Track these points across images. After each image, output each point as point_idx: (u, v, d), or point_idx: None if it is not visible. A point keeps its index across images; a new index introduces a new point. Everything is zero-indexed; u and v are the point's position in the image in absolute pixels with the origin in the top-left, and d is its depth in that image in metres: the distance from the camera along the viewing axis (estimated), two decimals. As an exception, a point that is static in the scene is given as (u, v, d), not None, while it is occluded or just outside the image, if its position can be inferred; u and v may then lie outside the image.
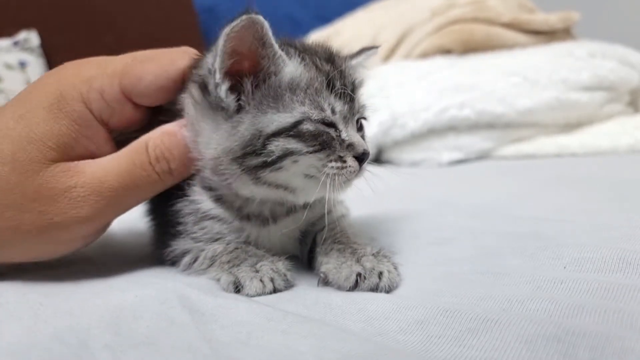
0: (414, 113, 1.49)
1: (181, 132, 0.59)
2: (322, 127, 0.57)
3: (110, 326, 0.44)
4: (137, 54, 0.60)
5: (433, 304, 0.48)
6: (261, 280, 0.56)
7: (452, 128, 1.49)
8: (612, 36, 1.76)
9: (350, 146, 0.58)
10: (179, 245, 0.63)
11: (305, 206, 0.62)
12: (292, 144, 0.56)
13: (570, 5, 1.96)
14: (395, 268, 0.57)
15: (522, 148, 1.48)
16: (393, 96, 1.56)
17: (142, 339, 0.42)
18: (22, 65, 2.02)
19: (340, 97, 0.59)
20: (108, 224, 0.63)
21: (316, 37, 2.24)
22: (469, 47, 1.76)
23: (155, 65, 0.59)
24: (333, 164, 0.57)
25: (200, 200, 0.61)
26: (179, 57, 0.60)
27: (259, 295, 0.55)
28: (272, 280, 0.56)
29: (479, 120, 1.47)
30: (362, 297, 0.53)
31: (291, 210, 0.64)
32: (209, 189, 0.61)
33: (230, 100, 0.56)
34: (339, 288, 0.56)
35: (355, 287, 0.55)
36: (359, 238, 0.64)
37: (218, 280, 0.58)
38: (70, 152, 0.56)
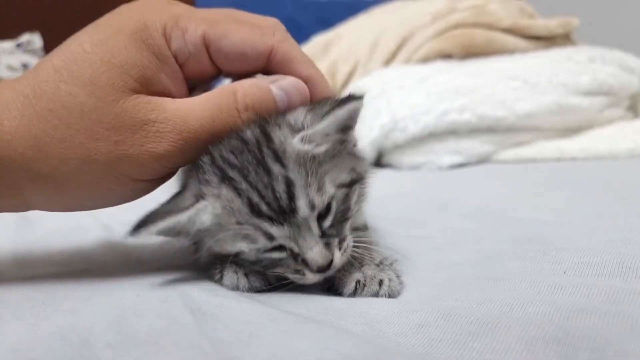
0: (414, 116, 1.49)
1: (271, 88, 0.54)
2: (262, 255, 0.53)
3: (112, 324, 0.44)
4: (232, 12, 0.57)
5: (434, 308, 0.49)
6: (235, 273, 0.56)
7: (453, 132, 1.49)
8: (611, 41, 1.76)
9: (305, 262, 0.52)
10: None
11: None
12: (246, 264, 0.55)
13: (570, 11, 1.97)
14: (398, 276, 0.57)
15: (523, 152, 1.48)
16: (394, 99, 1.56)
17: (144, 337, 0.43)
18: (25, 67, 2.03)
19: (272, 221, 0.50)
20: (170, 175, 0.59)
21: (318, 40, 2.25)
22: (470, 52, 1.77)
23: (246, 29, 0.55)
24: (290, 275, 0.54)
25: None
26: (269, 33, 0.56)
27: (235, 288, 0.56)
28: (246, 275, 0.56)
29: (479, 123, 1.47)
30: (363, 301, 0.53)
31: None
32: None
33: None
34: (341, 294, 0.56)
35: (354, 294, 0.55)
36: (376, 252, 0.62)
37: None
38: (150, 87, 0.53)
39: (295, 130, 0.53)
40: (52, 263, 0.69)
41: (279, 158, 0.51)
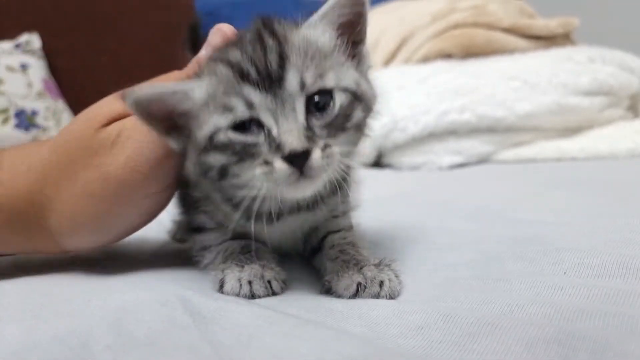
0: (414, 117, 1.49)
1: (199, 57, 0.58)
2: (235, 136, 0.51)
3: (111, 327, 0.44)
4: None
5: (433, 309, 0.49)
6: (239, 281, 0.55)
7: (453, 132, 1.49)
8: (611, 41, 1.76)
9: (279, 146, 0.49)
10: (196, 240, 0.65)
11: (309, 207, 0.60)
12: (218, 158, 0.52)
13: (570, 11, 1.97)
14: (397, 276, 0.57)
15: (522, 152, 1.48)
16: (393, 100, 1.56)
17: (144, 340, 0.43)
18: (24, 67, 2.02)
19: (257, 86, 0.50)
20: (171, 191, 0.63)
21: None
22: (470, 52, 1.77)
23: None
24: (259, 169, 0.50)
25: (214, 197, 0.60)
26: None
27: (236, 295, 0.55)
28: (249, 283, 0.55)
29: (479, 124, 1.47)
30: (363, 303, 0.53)
31: (295, 209, 0.60)
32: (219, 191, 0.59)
33: (172, 143, 0.56)
34: (340, 297, 0.56)
35: (355, 296, 0.55)
36: (366, 250, 0.63)
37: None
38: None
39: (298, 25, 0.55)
40: (50, 265, 0.69)
41: (277, 38, 0.52)
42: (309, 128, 0.50)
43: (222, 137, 0.51)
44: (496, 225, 0.80)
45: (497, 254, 0.66)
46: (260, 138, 0.50)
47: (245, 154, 0.51)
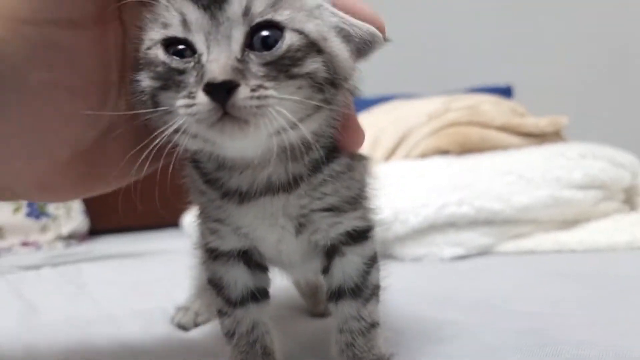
0: (414, 209, 1.53)
1: None
2: (163, 56, 0.45)
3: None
4: None
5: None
6: None
7: (452, 224, 1.53)
8: (599, 137, 1.86)
9: (203, 76, 0.43)
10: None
11: (285, 187, 0.52)
12: (145, 79, 0.47)
13: (560, 109, 2.10)
14: None
15: (522, 244, 1.50)
16: (394, 193, 1.62)
17: None
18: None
19: (196, 2, 0.44)
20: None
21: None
22: (465, 148, 1.87)
23: None
24: (181, 101, 0.44)
25: (194, 177, 0.57)
26: None
27: None
28: None
29: (477, 216, 1.51)
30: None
31: (269, 188, 0.52)
32: (197, 169, 0.56)
33: None
34: None
35: None
36: (377, 349, 0.60)
37: None
38: None
39: None
40: (58, 353, 0.70)
41: None
42: (243, 61, 0.44)
43: (152, 53, 0.46)
44: (496, 317, 0.81)
45: (497, 347, 0.66)
46: (189, 65, 0.45)
47: (172, 81, 0.45)
